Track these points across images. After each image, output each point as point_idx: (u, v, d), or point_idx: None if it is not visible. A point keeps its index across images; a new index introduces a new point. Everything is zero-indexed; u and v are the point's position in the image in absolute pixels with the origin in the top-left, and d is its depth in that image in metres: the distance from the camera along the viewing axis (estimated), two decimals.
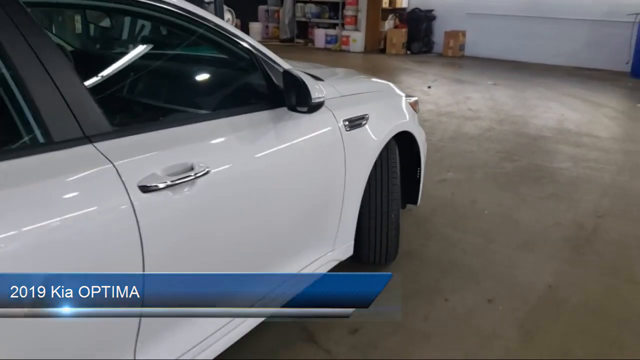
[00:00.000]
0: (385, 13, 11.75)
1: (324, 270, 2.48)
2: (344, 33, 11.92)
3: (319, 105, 2.01)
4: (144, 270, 1.53)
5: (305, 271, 2.36)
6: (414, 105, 3.11)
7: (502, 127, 5.91)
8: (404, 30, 11.65)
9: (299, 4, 12.57)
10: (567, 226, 3.56)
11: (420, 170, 3.12)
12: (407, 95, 3.11)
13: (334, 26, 12.27)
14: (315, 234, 2.40)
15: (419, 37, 11.69)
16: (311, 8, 12.51)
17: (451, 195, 4.01)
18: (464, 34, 11.39)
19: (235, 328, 1.97)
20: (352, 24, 11.91)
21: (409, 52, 11.70)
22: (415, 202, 3.20)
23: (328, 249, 2.50)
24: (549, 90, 8.11)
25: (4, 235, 1.24)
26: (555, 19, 10.21)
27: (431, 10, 11.71)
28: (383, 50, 11.82)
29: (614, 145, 5.43)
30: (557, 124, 6.14)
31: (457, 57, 11.37)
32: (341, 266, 2.61)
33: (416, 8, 11.78)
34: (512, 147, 5.20)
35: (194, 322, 1.82)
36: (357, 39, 11.73)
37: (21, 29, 1.40)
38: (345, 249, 2.61)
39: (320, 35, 12.15)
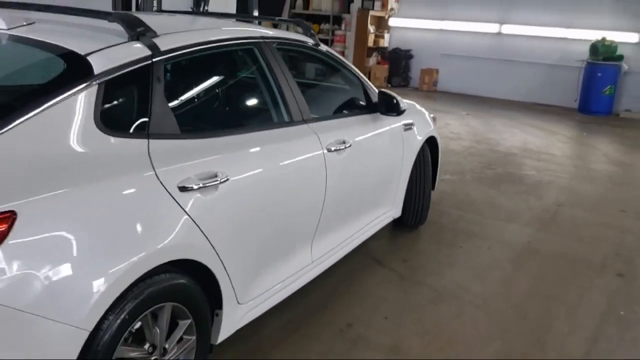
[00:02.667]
0: (370, 51, 13.30)
1: (385, 222, 3.81)
2: None
3: (404, 111, 3.37)
4: (325, 192, 2.83)
5: (377, 220, 3.68)
6: (434, 119, 4.50)
7: (479, 146, 7.41)
8: (386, 66, 13.23)
9: None
10: (536, 210, 5.00)
11: (437, 164, 4.49)
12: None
13: None
14: (385, 195, 3.72)
15: (399, 72, 13.28)
16: None
17: (451, 189, 5.41)
18: (437, 71, 13.02)
19: (347, 244, 3.27)
20: None
21: (389, 85, 13.26)
22: (432, 187, 4.55)
23: (389, 208, 3.83)
24: (512, 120, 9.72)
25: (271, 168, 2.50)
26: (516, 61, 11.96)
27: (409, 50, 13.35)
28: None
29: (566, 161, 6.99)
30: (522, 145, 7.69)
31: (431, 91, 12.98)
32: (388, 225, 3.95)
33: (397, 47, 13.40)
34: (490, 160, 6.67)
35: (333, 235, 3.10)
36: None
37: (278, 61, 2.72)
38: (397, 210, 3.95)
39: None
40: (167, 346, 2.03)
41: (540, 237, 4.40)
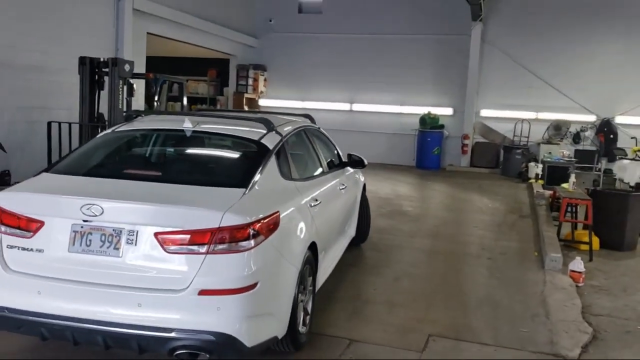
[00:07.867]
0: None
1: (351, 238, 5.84)
2: None
3: (365, 166, 5.52)
4: (340, 212, 4.82)
5: (349, 236, 5.70)
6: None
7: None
8: None
9: None
10: (425, 230, 7.43)
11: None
12: None
13: None
14: (352, 219, 5.77)
15: None
16: None
17: None
18: None
19: (343, 248, 5.25)
20: None
21: None
22: None
23: (351, 230, 5.88)
24: (376, 176, 12.38)
25: (329, 196, 4.48)
26: (366, 132, 14.99)
27: None
28: None
29: (426, 200, 9.71)
30: (393, 192, 10.31)
31: None
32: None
33: None
34: (379, 203, 9.08)
35: (340, 240, 5.05)
36: None
37: (313, 137, 4.73)
38: (354, 231, 6.00)
39: None
40: (306, 289, 3.84)
41: (435, 244, 6.78)
